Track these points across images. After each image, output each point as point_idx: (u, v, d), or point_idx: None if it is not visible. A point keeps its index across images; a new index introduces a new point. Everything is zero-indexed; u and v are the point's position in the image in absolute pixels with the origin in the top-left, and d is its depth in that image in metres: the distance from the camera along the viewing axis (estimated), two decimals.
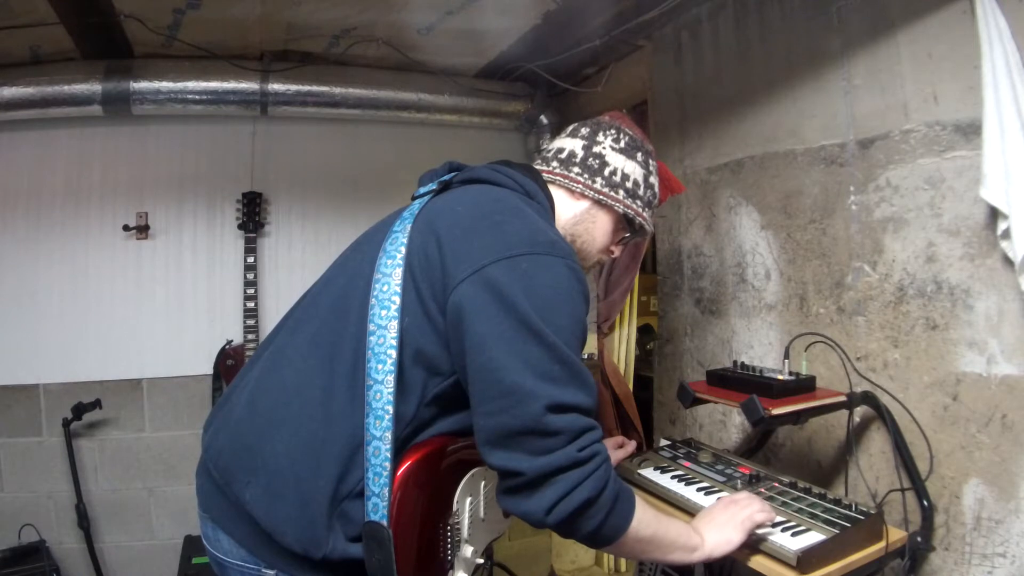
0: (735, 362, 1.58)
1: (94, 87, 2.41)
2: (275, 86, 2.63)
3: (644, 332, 2.79)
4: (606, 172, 1.13)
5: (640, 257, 2.73)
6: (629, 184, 1.14)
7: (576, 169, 1.13)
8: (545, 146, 1.22)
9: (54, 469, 2.58)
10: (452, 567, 1.00)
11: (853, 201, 1.60)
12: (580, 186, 1.12)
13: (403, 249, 0.95)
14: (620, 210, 1.14)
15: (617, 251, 1.23)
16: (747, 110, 1.95)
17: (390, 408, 0.88)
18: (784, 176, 1.82)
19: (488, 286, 0.87)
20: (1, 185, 2.60)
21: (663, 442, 1.68)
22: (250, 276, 2.74)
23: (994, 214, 1.25)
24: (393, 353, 0.89)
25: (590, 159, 1.13)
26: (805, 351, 1.58)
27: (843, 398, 1.43)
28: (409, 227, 0.98)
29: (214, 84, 2.56)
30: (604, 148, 1.14)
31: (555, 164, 1.15)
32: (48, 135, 2.63)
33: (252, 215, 2.78)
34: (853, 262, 1.60)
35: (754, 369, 1.51)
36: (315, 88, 2.68)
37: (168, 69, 2.51)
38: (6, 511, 2.52)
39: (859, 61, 1.58)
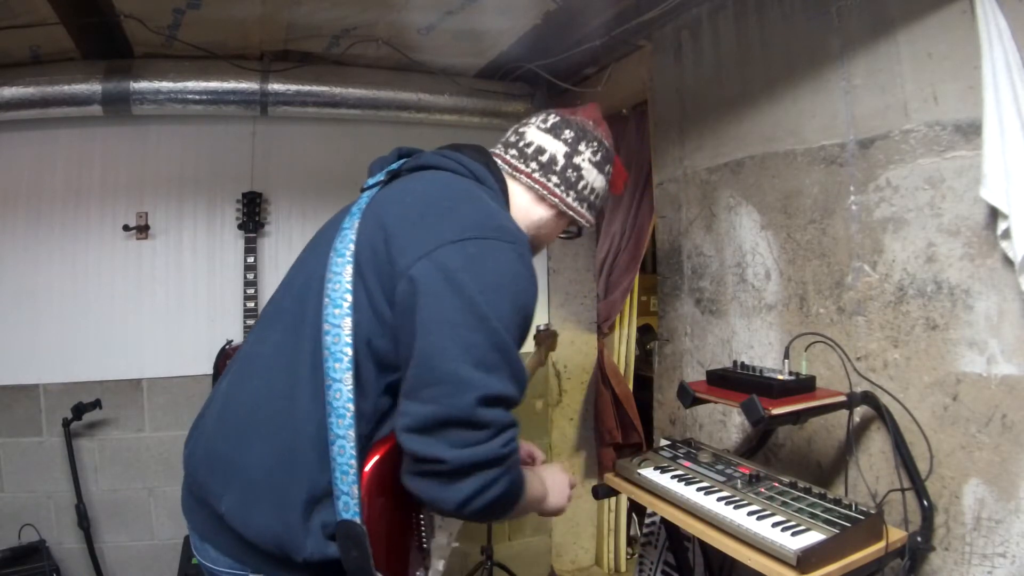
0: (735, 362, 1.58)
1: (94, 87, 2.41)
2: (275, 86, 2.62)
3: (644, 332, 2.80)
4: (580, 186, 1.14)
5: (640, 257, 2.73)
6: (593, 196, 1.17)
7: (555, 179, 1.12)
8: (520, 131, 1.16)
9: (54, 469, 2.57)
10: (429, 554, 1.01)
11: (853, 201, 1.60)
12: (556, 199, 1.13)
13: (352, 246, 0.95)
14: (579, 221, 1.18)
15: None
16: (747, 110, 1.95)
17: (351, 406, 0.88)
18: (784, 176, 1.82)
19: (437, 269, 0.88)
20: (1, 185, 2.60)
21: (663, 442, 1.68)
22: (250, 276, 2.73)
23: (994, 214, 1.25)
24: (348, 351, 0.90)
25: (569, 170, 1.13)
26: (805, 351, 1.58)
27: (843, 398, 1.43)
28: (358, 223, 0.98)
29: (214, 84, 2.55)
30: (584, 161, 1.14)
31: (534, 166, 1.12)
32: (48, 135, 2.62)
33: (252, 215, 2.77)
34: (853, 262, 1.60)
35: (754, 369, 1.51)
36: (315, 88, 2.67)
37: (168, 69, 2.51)
38: (6, 511, 2.51)
39: (859, 61, 1.58)
